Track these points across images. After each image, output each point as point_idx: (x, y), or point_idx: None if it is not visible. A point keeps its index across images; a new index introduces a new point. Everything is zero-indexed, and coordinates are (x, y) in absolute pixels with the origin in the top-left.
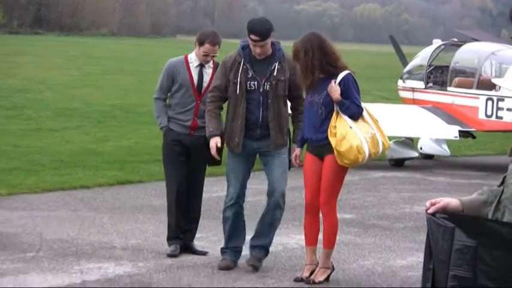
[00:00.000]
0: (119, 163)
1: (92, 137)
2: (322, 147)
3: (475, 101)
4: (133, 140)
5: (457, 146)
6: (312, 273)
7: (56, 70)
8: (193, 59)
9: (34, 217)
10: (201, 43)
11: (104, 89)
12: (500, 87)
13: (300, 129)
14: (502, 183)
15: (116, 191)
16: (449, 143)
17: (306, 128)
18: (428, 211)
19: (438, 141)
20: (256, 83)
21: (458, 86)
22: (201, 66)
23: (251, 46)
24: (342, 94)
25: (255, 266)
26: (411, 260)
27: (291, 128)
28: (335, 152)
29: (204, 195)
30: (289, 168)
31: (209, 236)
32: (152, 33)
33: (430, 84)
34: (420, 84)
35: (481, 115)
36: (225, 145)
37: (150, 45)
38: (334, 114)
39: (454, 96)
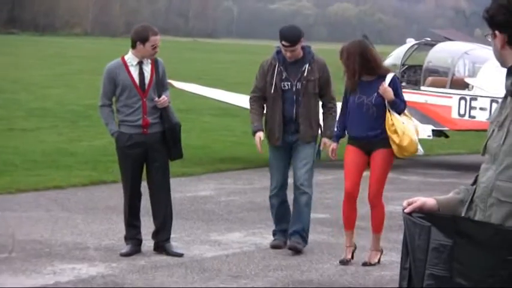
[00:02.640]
0: (93, 163)
1: (65, 137)
2: (373, 143)
3: (448, 100)
4: (107, 140)
5: (430, 145)
6: (353, 254)
7: (30, 70)
8: (131, 58)
9: (7, 218)
10: (145, 39)
11: (77, 89)
12: (473, 87)
13: (331, 123)
14: (475, 182)
15: (89, 192)
16: (422, 142)
17: (353, 127)
18: (405, 210)
19: None
20: (289, 83)
21: (432, 85)
22: (140, 64)
23: (283, 50)
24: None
25: (294, 248)
26: (384, 260)
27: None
28: (395, 146)
29: (177, 194)
30: (318, 156)
31: (183, 237)
32: (126, 32)
33: (404, 84)
34: None
35: (454, 114)
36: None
37: (124, 44)
38: (388, 113)
39: (427, 96)
